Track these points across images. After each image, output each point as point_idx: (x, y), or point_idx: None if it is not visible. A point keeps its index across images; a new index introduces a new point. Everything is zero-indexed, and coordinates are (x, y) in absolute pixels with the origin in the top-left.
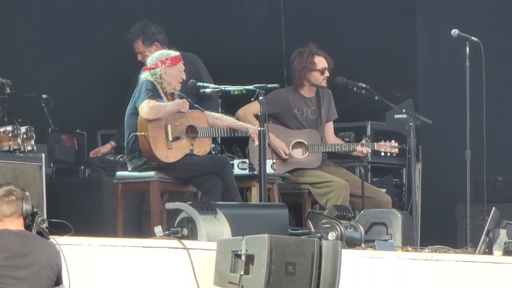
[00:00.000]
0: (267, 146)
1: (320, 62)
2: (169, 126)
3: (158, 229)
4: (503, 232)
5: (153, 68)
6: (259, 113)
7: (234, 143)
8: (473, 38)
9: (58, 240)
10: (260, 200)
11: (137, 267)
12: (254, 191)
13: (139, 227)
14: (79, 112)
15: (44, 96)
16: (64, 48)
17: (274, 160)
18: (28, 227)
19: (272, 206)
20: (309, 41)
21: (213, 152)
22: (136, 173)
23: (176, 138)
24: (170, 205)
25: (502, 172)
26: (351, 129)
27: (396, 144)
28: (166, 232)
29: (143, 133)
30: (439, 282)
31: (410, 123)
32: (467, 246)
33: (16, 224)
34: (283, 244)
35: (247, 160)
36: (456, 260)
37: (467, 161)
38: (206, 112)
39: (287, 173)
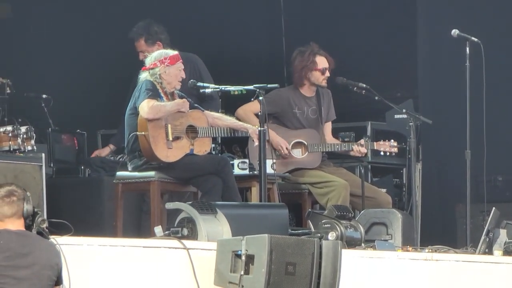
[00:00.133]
0: (267, 145)
1: (321, 62)
2: (169, 125)
3: (158, 229)
4: (503, 232)
5: (152, 68)
6: (259, 113)
7: (234, 143)
8: (473, 38)
9: (58, 240)
10: (260, 200)
11: (137, 267)
12: (254, 191)
13: (139, 227)
14: (79, 112)
15: (44, 96)
16: (64, 48)
17: (274, 160)
18: (28, 227)
19: (272, 206)
20: (308, 41)
21: (213, 152)
22: (136, 173)
23: (176, 138)
24: (170, 205)
25: (502, 172)
26: (351, 129)
27: (395, 144)
28: (166, 232)
29: (143, 133)
30: (439, 282)
31: (410, 123)
32: (467, 246)
33: (16, 225)
34: (283, 244)
35: (247, 160)
36: (456, 260)
37: (467, 161)
38: (206, 112)
39: (287, 173)
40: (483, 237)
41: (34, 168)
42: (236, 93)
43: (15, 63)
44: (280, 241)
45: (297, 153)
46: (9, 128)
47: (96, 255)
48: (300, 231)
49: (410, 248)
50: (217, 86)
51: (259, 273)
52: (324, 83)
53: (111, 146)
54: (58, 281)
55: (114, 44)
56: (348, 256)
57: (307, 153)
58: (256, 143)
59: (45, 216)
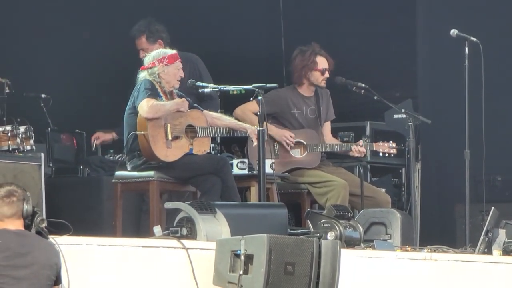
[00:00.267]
0: (266, 145)
1: (322, 62)
2: (168, 125)
3: (157, 229)
4: (502, 232)
5: (150, 68)
6: (258, 113)
7: (233, 143)
8: (472, 38)
9: (57, 240)
10: (259, 200)
11: (136, 266)
12: (253, 190)
13: (138, 227)
14: (78, 112)
15: (43, 95)
16: (63, 48)
17: (273, 160)
18: (27, 226)
19: (271, 206)
20: (308, 41)
21: (212, 152)
22: (135, 173)
23: (176, 138)
24: (169, 205)
25: (501, 172)
26: (350, 129)
27: (394, 145)
28: (165, 231)
29: (142, 132)
30: (438, 282)
31: (409, 123)
32: (466, 246)
33: (16, 224)
34: (282, 244)
35: (246, 160)
36: (455, 260)
37: (466, 161)
38: (205, 111)
39: (286, 173)
40: (482, 237)
41: (33, 168)
42: (235, 92)
43: (14, 62)
44: (279, 240)
45: (296, 153)
46: (8, 127)
47: (95, 254)
48: (299, 231)
49: (409, 248)
50: (216, 86)
51: (258, 273)
52: (323, 84)
53: (114, 134)
54: (57, 280)
55: (114, 44)
56: (347, 256)
57: (306, 153)
58: (255, 143)
59: (44, 216)
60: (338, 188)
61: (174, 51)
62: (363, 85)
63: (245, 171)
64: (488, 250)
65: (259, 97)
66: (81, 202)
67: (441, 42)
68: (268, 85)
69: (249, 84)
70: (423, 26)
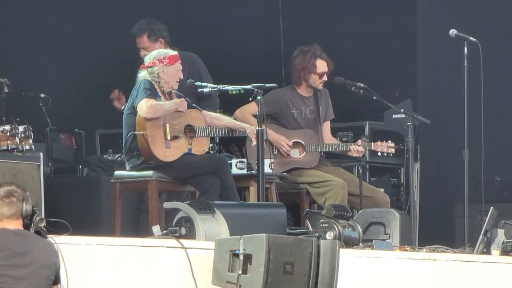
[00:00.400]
0: (265, 145)
1: (321, 65)
2: (167, 125)
3: (156, 229)
4: (501, 232)
5: (150, 67)
6: (257, 112)
7: (232, 143)
8: (471, 38)
9: (56, 239)
10: (258, 200)
11: (135, 266)
12: (252, 190)
13: (137, 227)
14: (77, 111)
15: (42, 95)
16: (62, 47)
17: (272, 160)
18: (26, 226)
19: (270, 205)
20: (307, 40)
21: (211, 152)
22: (134, 173)
23: (175, 137)
24: (168, 205)
25: (500, 172)
26: (349, 129)
27: (392, 144)
28: (164, 231)
29: (141, 132)
30: (437, 282)
31: (408, 123)
32: (465, 246)
33: (15, 224)
34: (281, 243)
35: (245, 160)
36: (454, 260)
37: (465, 161)
38: (204, 111)
39: (285, 173)
40: (481, 237)
41: (32, 168)
42: (234, 92)
43: (13, 62)
44: (278, 240)
45: (295, 153)
46: (7, 127)
47: (94, 254)
48: (298, 230)
49: (408, 248)
50: (215, 86)
51: (257, 273)
52: (320, 87)
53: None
54: (56, 280)
55: (113, 44)
56: (346, 255)
57: (304, 153)
58: (254, 143)
59: (43, 215)
60: (337, 188)
61: (175, 52)
62: (362, 85)
63: (244, 171)
64: (487, 250)
65: (258, 97)
66: (80, 202)
67: (441, 42)
68: (267, 85)
69: (248, 84)
70: (422, 26)
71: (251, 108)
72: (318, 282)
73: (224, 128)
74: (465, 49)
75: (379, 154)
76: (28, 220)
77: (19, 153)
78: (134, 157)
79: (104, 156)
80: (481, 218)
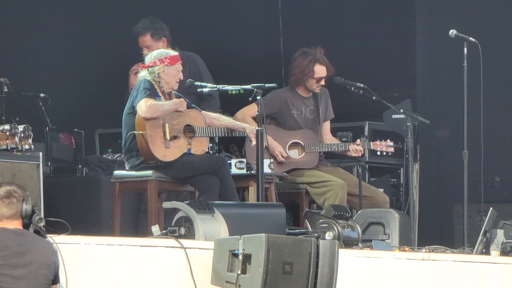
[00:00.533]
0: (264, 146)
1: (320, 71)
2: (166, 125)
3: (155, 228)
4: (500, 233)
5: (151, 66)
6: (257, 112)
7: (232, 143)
8: (471, 38)
9: (55, 239)
10: (258, 200)
11: (134, 266)
12: (252, 190)
13: (136, 226)
14: (76, 111)
15: (41, 95)
16: (62, 47)
17: (271, 160)
18: (25, 226)
19: (270, 205)
20: (306, 40)
21: (211, 152)
22: (133, 172)
23: (174, 137)
24: (167, 204)
25: (500, 172)
26: (349, 129)
27: (391, 143)
28: (164, 231)
29: (141, 132)
30: (436, 282)
31: (407, 123)
32: (464, 246)
33: (14, 224)
34: (281, 243)
35: (244, 160)
36: (453, 260)
37: (465, 161)
38: (204, 111)
39: (285, 173)
40: (480, 237)
41: (31, 167)
42: (233, 92)
43: (12, 61)
44: (277, 240)
45: (294, 154)
46: (7, 127)
47: (93, 254)
48: (297, 230)
49: (407, 248)
50: (214, 86)
51: (256, 273)
52: (317, 90)
53: None
54: (55, 280)
55: (112, 43)
56: (345, 255)
57: (304, 153)
58: (254, 143)
59: (42, 215)
60: (336, 188)
61: (175, 53)
62: (362, 85)
63: (244, 171)
64: (486, 251)
65: (258, 97)
66: (79, 202)
67: (440, 42)
68: (266, 85)
69: (248, 84)
70: (422, 26)
71: (252, 110)
72: (317, 282)
73: (224, 128)
74: (465, 49)
75: (379, 153)
76: (27, 220)
77: (19, 153)
78: (133, 157)
79: (104, 155)
80: (481, 219)
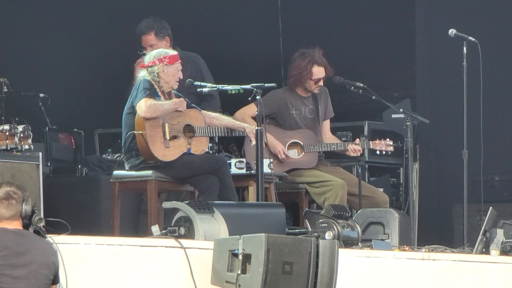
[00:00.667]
0: (264, 146)
1: (318, 72)
2: (166, 125)
3: (155, 228)
4: (500, 232)
5: (150, 66)
6: (257, 112)
7: (232, 143)
8: (470, 38)
9: (55, 239)
10: (257, 200)
11: (134, 266)
12: (251, 190)
13: (136, 226)
14: (76, 111)
15: (41, 95)
16: (62, 47)
17: (271, 160)
18: (25, 226)
19: (269, 205)
20: (306, 41)
21: (210, 152)
22: (133, 172)
23: (174, 137)
24: (167, 204)
25: (499, 172)
26: (349, 128)
27: (391, 142)
28: (163, 231)
29: (140, 132)
30: (436, 282)
31: (407, 123)
32: (464, 245)
33: (14, 225)
34: (280, 243)
35: (244, 160)
36: (453, 259)
37: (464, 161)
38: (203, 111)
39: (284, 173)
40: (480, 237)
41: (31, 167)
42: (233, 92)
43: (12, 61)
44: (277, 240)
45: (293, 154)
46: (6, 127)
47: (93, 254)
48: (297, 230)
49: (407, 248)
50: (214, 85)
51: (256, 272)
52: (316, 91)
53: None
54: (55, 280)
55: (112, 43)
56: (345, 255)
57: (303, 153)
58: (254, 143)
59: (42, 215)
60: (336, 188)
61: (175, 52)
62: (361, 84)
63: (243, 171)
64: (486, 250)
65: (257, 97)
66: (79, 202)
67: (440, 42)
68: (266, 85)
69: (248, 84)
70: (422, 26)
71: (251, 110)
72: (317, 282)
73: (223, 128)
74: (464, 49)
75: (378, 153)
76: (27, 220)
77: (18, 153)
78: (133, 156)
79: (103, 155)
80: (480, 218)
